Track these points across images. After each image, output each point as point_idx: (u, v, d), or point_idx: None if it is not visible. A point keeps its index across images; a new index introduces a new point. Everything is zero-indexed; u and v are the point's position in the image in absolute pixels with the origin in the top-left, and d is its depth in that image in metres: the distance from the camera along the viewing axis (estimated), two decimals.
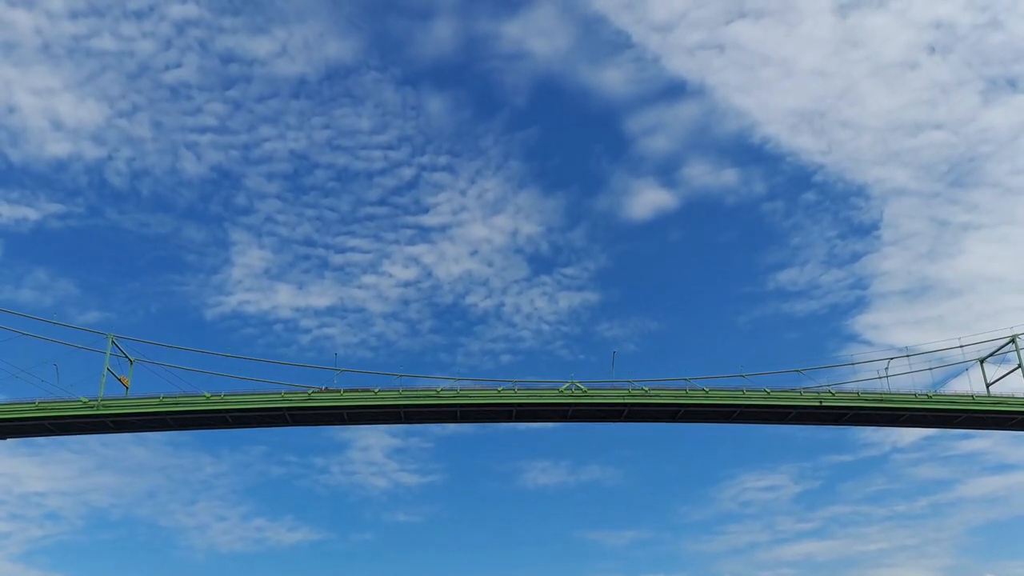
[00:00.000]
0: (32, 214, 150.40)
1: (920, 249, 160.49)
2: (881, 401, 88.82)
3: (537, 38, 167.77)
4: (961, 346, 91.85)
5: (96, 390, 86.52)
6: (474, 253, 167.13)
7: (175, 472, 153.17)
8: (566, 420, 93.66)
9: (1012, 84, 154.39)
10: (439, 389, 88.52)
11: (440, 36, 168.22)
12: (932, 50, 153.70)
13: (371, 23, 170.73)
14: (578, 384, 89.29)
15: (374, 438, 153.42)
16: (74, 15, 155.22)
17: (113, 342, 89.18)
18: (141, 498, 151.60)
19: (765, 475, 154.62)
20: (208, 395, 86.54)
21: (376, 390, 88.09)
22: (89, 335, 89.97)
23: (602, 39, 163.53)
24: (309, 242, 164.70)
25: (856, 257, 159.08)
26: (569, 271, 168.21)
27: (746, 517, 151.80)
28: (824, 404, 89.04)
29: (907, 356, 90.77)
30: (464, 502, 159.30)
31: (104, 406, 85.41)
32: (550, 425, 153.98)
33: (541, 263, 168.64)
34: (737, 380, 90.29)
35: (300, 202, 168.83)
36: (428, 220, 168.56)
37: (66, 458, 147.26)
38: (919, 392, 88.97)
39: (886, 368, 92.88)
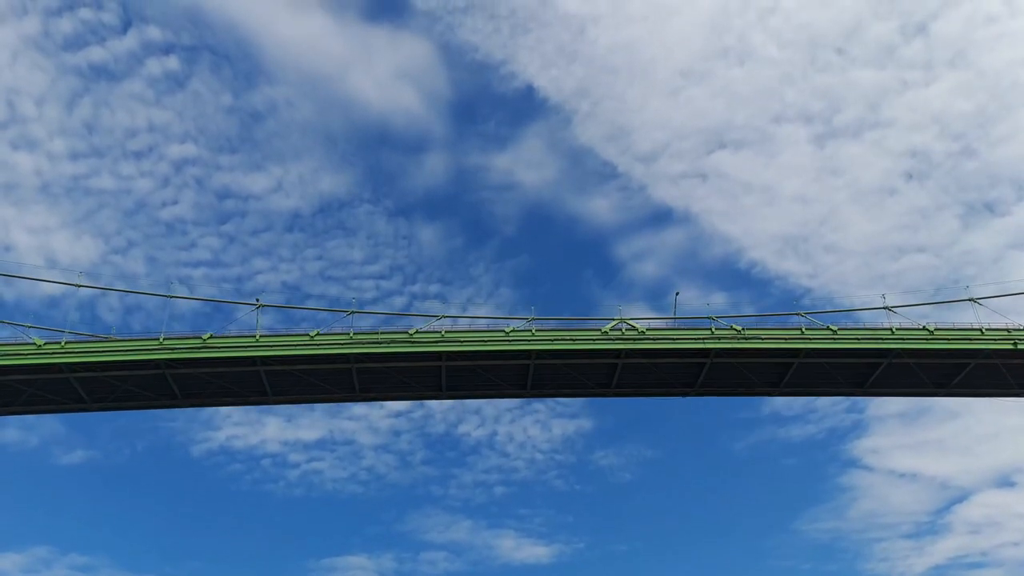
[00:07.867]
0: None
1: None
2: None
3: (526, 169, 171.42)
4: None
5: None
6: None
7: None
8: (609, 389, 60.64)
9: (990, 208, 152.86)
10: (413, 331, 56.25)
11: (432, 169, 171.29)
12: (909, 177, 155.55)
13: (364, 158, 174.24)
14: (630, 322, 57.14)
15: None
16: (75, 156, 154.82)
17: None
18: None
19: None
20: (40, 342, 54.16)
21: (315, 332, 55.84)
22: None
23: (589, 169, 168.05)
24: None
25: None
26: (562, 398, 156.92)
27: None
28: (1020, 348, 56.80)
29: None
30: None
31: None
32: (545, 561, 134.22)
33: None
34: (869, 316, 58.98)
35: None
36: None
37: None
38: None
39: None
